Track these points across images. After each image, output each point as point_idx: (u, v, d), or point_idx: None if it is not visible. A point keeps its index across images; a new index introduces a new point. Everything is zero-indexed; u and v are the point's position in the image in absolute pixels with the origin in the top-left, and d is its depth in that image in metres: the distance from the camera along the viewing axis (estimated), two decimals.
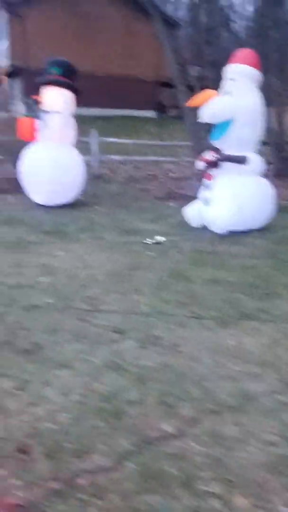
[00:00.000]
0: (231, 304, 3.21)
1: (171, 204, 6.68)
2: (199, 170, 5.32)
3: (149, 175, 8.86)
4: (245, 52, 5.07)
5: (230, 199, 4.87)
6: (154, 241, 4.86)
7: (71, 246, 4.76)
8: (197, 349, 2.61)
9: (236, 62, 4.98)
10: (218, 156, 4.99)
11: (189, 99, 7.11)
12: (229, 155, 4.93)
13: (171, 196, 7.10)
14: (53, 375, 2.34)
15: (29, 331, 2.84)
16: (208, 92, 5.01)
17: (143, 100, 19.07)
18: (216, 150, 5.19)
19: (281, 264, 4.00)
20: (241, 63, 4.94)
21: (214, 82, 7.08)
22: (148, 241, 4.85)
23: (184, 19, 14.42)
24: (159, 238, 4.93)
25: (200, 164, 5.24)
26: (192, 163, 8.76)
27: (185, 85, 7.08)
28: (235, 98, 4.86)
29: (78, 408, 2.09)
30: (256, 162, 5.01)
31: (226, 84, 4.99)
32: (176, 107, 22.62)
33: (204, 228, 5.20)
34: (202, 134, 7.21)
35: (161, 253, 4.45)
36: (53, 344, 2.66)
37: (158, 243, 4.82)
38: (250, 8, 9.97)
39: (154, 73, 19.18)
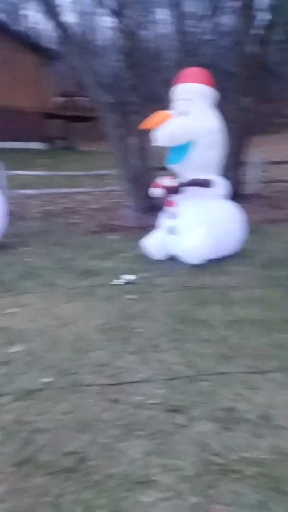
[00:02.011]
0: (282, 347, 2.66)
1: (112, 237, 6.00)
2: (158, 197, 4.77)
3: (66, 208, 8.07)
4: (195, 70, 4.74)
5: (202, 226, 4.39)
6: (123, 281, 4.14)
7: (23, 299, 3.81)
8: None
9: (187, 80, 4.61)
10: (181, 180, 4.50)
11: (115, 126, 6.66)
12: (193, 179, 4.48)
13: (106, 228, 6.42)
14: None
15: (47, 434, 1.93)
16: (162, 113, 4.53)
17: (29, 131, 18.15)
18: (174, 175, 4.73)
19: None
20: (195, 82, 4.58)
21: (138, 106, 6.76)
22: (117, 282, 4.12)
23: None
24: (129, 277, 4.22)
25: (157, 191, 4.70)
26: (114, 192, 8.25)
27: (108, 112, 6.55)
28: (193, 119, 4.45)
29: None
30: (222, 184, 4.65)
31: (179, 104, 4.56)
32: (64, 138, 22.25)
33: (171, 260, 4.63)
34: (132, 161, 6.73)
35: (144, 295, 3.75)
36: (104, 457, 1.80)
37: (128, 282, 4.11)
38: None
39: (39, 104, 18.49)
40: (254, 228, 5.40)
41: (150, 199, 7.08)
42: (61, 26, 6.58)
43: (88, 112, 20.23)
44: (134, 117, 6.83)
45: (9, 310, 3.57)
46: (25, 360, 2.69)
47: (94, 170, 11.15)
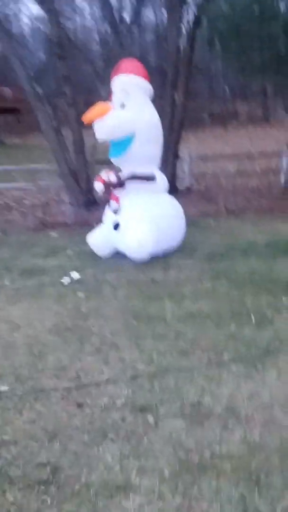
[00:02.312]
0: (239, 339, 2.74)
1: (53, 234, 5.83)
2: (100, 192, 4.70)
3: None
4: (132, 62, 4.69)
5: (147, 221, 4.40)
6: (71, 278, 4.06)
7: None
8: (270, 403, 2.07)
9: (124, 72, 4.55)
10: (124, 175, 4.47)
11: (48, 119, 6.43)
12: (136, 173, 4.46)
13: (46, 225, 6.22)
14: None
15: (14, 447, 1.85)
16: (102, 105, 4.46)
17: None
18: (114, 169, 4.68)
19: (240, 284, 3.69)
20: (131, 74, 4.54)
21: (71, 98, 6.59)
22: (66, 280, 4.02)
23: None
24: (74, 275, 4.14)
25: (99, 186, 4.63)
26: (49, 187, 8.02)
27: (40, 103, 6.30)
28: (132, 111, 4.43)
29: None
30: (162, 178, 4.67)
31: (117, 96, 4.51)
32: None
33: (117, 256, 4.60)
34: (68, 156, 6.57)
35: (94, 293, 3.70)
36: (78, 465, 1.76)
37: (76, 280, 4.03)
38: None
39: None
40: (192, 222, 5.51)
41: (88, 194, 7.00)
42: None
43: (13, 103, 19.44)
44: (67, 109, 6.67)
45: None
46: None
47: (23, 164, 10.75)
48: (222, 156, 10.57)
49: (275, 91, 21.31)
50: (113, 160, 4.67)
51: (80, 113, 6.86)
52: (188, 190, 8.46)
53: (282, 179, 8.30)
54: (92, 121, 4.40)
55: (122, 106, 4.44)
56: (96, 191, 4.74)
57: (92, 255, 4.71)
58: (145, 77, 4.61)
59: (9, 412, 2.09)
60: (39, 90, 6.16)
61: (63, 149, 6.48)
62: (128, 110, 4.43)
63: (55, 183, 7.45)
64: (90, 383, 2.33)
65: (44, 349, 2.73)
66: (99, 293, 3.69)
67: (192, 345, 2.72)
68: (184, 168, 8.89)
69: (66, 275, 4.10)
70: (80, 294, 3.68)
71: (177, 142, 7.86)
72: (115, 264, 4.40)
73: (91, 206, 6.76)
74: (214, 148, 12.34)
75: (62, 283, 3.96)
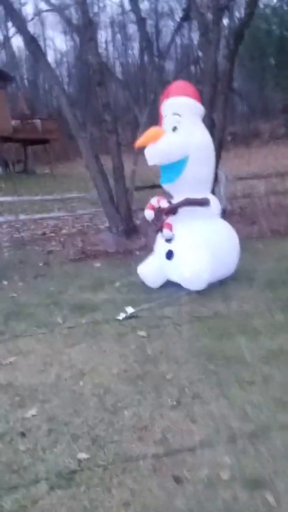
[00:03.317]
0: None
1: (97, 264, 5.57)
2: (151, 220, 4.44)
3: (38, 235, 7.55)
4: (183, 84, 4.49)
5: (202, 248, 4.09)
6: (126, 314, 3.76)
7: (19, 344, 3.35)
8: None
9: (175, 95, 4.34)
10: (180, 201, 4.20)
11: (89, 146, 6.28)
12: (192, 199, 4.18)
13: (87, 255, 5.98)
14: None
15: None
16: (155, 130, 4.23)
17: None
18: (167, 195, 4.43)
19: None
20: (182, 96, 4.32)
21: (111, 124, 6.44)
22: (121, 316, 3.73)
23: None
24: (129, 310, 3.84)
25: (150, 213, 4.37)
26: (85, 215, 7.85)
27: (81, 131, 6.17)
28: (184, 134, 4.18)
29: None
30: (215, 202, 4.38)
31: (169, 120, 4.28)
32: (19, 161, 21.48)
33: (169, 286, 4.29)
34: (107, 183, 6.37)
35: (156, 330, 3.38)
36: None
37: (132, 316, 3.73)
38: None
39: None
40: (240, 246, 5.20)
41: (129, 221, 6.77)
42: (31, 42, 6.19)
43: (43, 134, 19.74)
44: (108, 136, 6.51)
45: (7, 360, 3.10)
46: (46, 428, 2.24)
47: (55, 193, 10.69)
48: (256, 175, 10.27)
49: None
50: (165, 186, 4.42)
51: (119, 139, 6.73)
52: (227, 212, 8.15)
53: None
54: (145, 146, 4.18)
55: (174, 129, 4.21)
56: (148, 219, 4.46)
57: (143, 286, 4.42)
58: (197, 99, 4.40)
59: (97, 490, 1.76)
60: (79, 117, 6.03)
61: (103, 176, 6.29)
62: (180, 133, 4.18)
63: (89, 211, 7.29)
64: (181, 447, 1.99)
65: (118, 402, 2.41)
66: (161, 331, 3.37)
67: (286, 392, 2.36)
68: (220, 190, 8.60)
69: (120, 311, 3.81)
70: (141, 333, 3.37)
71: (216, 164, 7.60)
72: (170, 297, 4.09)
73: (132, 233, 6.52)
74: (240, 169, 12.03)
75: (118, 320, 3.67)
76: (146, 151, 4.19)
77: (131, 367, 2.81)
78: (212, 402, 2.33)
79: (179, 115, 4.24)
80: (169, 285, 4.33)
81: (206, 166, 4.35)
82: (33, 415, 2.36)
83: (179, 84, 4.49)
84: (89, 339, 3.33)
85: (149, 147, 4.15)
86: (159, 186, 7.60)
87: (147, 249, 5.99)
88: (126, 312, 3.82)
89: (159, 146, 4.09)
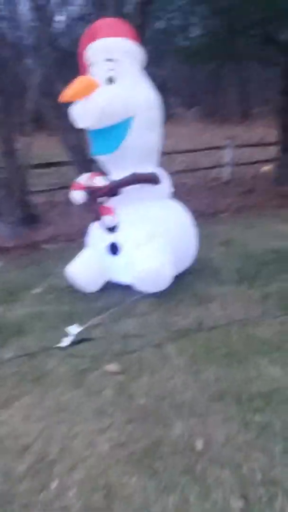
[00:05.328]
0: None
1: None
2: (80, 204, 3.30)
3: None
4: (118, 22, 3.37)
5: (159, 237, 3.12)
6: (72, 336, 2.63)
7: None
8: None
9: (106, 35, 3.21)
10: (124, 177, 3.13)
11: None
12: (140, 174, 3.15)
13: None
14: None
15: None
16: (86, 79, 3.06)
17: None
18: (101, 170, 3.34)
19: None
20: (117, 37, 3.22)
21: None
22: (66, 340, 2.58)
23: None
24: (73, 330, 2.72)
25: (77, 195, 3.24)
26: None
27: None
28: (127, 88, 3.11)
29: None
30: (166, 178, 3.43)
31: (99, 69, 3.15)
32: None
33: (116, 290, 3.24)
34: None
35: (132, 361, 2.34)
36: None
37: (83, 339, 2.61)
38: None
39: None
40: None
41: (26, 206, 5.42)
42: None
43: None
44: None
45: None
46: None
47: None
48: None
49: None
50: (100, 157, 3.30)
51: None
52: None
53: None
54: (73, 101, 3.01)
55: (110, 80, 3.10)
56: (76, 202, 3.31)
57: (75, 292, 3.29)
58: (135, 39, 3.31)
59: None
60: None
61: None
62: (119, 85, 3.10)
63: None
64: None
65: (120, 495, 1.36)
66: (139, 360, 2.34)
67: None
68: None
69: (60, 332, 2.66)
70: (110, 366, 2.29)
71: None
72: (122, 304, 3.05)
73: (32, 222, 5.23)
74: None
75: (63, 348, 2.51)
76: (74, 110, 3.04)
77: (128, 436, 1.74)
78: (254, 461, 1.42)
79: (114, 61, 3.15)
80: (112, 288, 3.28)
81: (153, 132, 3.34)
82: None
83: (110, 21, 3.37)
84: (31, 387, 2.13)
85: (79, 104, 3.01)
86: (57, 164, 6.36)
87: (59, 241, 4.81)
88: (70, 333, 2.69)
89: (95, 101, 2.96)
